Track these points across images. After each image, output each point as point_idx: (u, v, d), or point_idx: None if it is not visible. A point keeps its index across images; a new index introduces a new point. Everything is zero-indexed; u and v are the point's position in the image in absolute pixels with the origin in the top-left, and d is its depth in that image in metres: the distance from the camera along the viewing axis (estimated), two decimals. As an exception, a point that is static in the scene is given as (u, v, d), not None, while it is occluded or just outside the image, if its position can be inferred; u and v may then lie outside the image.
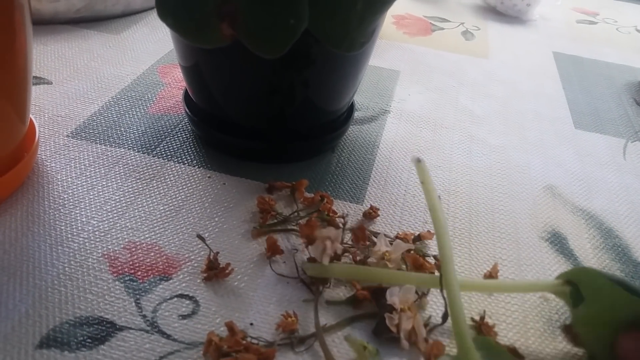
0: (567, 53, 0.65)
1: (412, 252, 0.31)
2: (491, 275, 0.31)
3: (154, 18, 0.59)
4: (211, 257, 0.29)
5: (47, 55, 0.49)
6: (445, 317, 0.28)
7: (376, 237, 0.32)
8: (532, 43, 0.67)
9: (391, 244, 0.30)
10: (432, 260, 0.31)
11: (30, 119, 0.35)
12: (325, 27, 0.30)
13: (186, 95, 0.40)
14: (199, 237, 0.30)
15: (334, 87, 0.37)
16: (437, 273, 0.30)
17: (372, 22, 0.31)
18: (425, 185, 0.27)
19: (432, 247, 0.33)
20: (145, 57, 0.51)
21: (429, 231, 0.33)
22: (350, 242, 0.32)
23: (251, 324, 0.27)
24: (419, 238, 0.33)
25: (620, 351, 0.24)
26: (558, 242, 0.35)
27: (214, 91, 0.37)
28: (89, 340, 0.25)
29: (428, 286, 0.30)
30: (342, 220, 0.34)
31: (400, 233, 0.33)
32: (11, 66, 0.30)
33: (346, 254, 0.31)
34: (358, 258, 0.30)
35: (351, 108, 0.42)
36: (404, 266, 0.31)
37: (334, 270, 0.29)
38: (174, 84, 0.47)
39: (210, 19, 0.27)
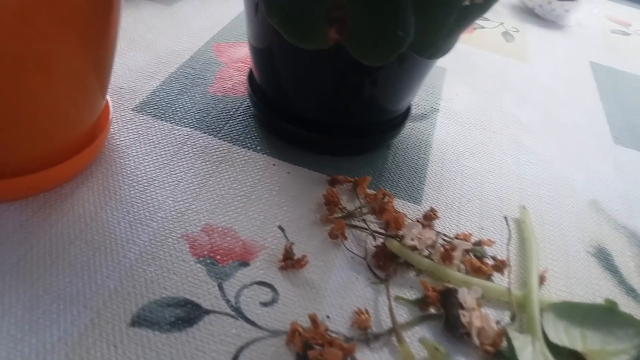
0: (603, 64, 0.66)
1: (470, 253, 0.33)
2: (540, 279, 0.33)
3: (202, -10, 0.58)
4: (287, 247, 0.30)
5: (101, 21, 0.48)
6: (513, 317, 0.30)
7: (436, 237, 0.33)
8: (570, 50, 0.68)
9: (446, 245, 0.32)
10: (490, 262, 0.33)
11: (104, 91, 0.35)
12: (417, 34, 0.30)
13: (251, 78, 0.40)
14: (280, 228, 0.31)
15: (402, 88, 0.37)
16: (494, 275, 0.32)
17: (460, 33, 0.32)
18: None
19: (490, 252, 0.34)
20: (200, 32, 0.51)
21: (489, 239, 0.34)
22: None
23: (327, 316, 0.28)
24: (479, 244, 0.34)
25: None
26: (604, 258, 0.37)
27: (284, 79, 0.37)
28: (179, 321, 0.26)
29: (495, 295, 0.31)
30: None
31: (460, 233, 0.34)
32: (104, 40, 0.29)
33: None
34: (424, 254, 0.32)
35: (408, 107, 0.42)
36: (462, 267, 0.32)
37: (411, 257, 0.31)
38: (231, 64, 0.47)
39: (318, 23, 0.27)
